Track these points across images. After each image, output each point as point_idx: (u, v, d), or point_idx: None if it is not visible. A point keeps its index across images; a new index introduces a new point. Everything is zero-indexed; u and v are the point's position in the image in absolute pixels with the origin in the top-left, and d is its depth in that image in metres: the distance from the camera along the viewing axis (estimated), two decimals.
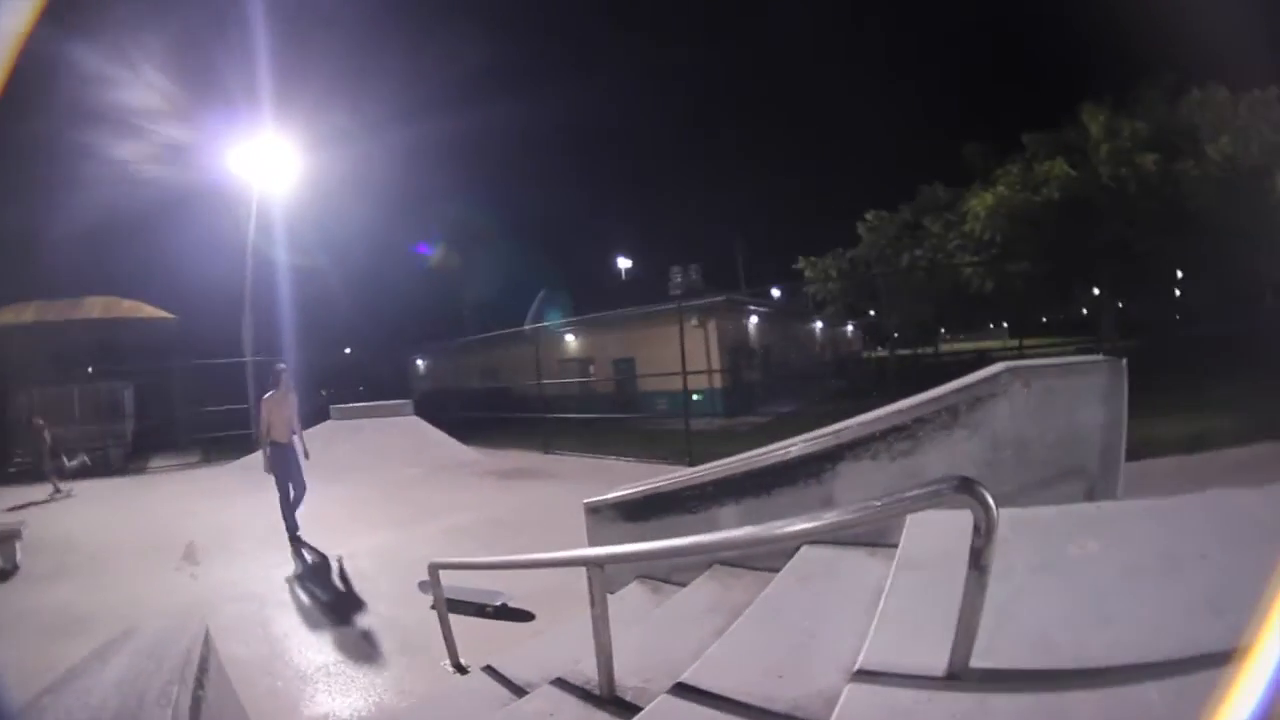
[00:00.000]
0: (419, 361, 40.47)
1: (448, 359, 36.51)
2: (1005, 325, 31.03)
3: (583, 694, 3.37)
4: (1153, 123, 19.11)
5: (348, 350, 38.16)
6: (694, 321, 21.98)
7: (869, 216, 24.34)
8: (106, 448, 20.88)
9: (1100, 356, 4.61)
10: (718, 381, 22.66)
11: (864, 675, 2.26)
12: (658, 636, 3.89)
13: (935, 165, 24.05)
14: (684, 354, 13.61)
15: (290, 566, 8.19)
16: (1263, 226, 17.16)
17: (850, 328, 39.68)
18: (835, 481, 4.21)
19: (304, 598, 7.18)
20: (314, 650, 5.79)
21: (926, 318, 24.15)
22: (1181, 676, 2.12)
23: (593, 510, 5.74)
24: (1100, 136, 19.40)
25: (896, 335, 23.81)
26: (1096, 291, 22.77)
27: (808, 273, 25.22)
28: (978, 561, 2.05)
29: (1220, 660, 2.11)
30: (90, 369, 24.06)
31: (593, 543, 5.59)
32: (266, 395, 9.89)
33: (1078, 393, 4.37)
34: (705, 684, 2.76)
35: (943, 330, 29.06)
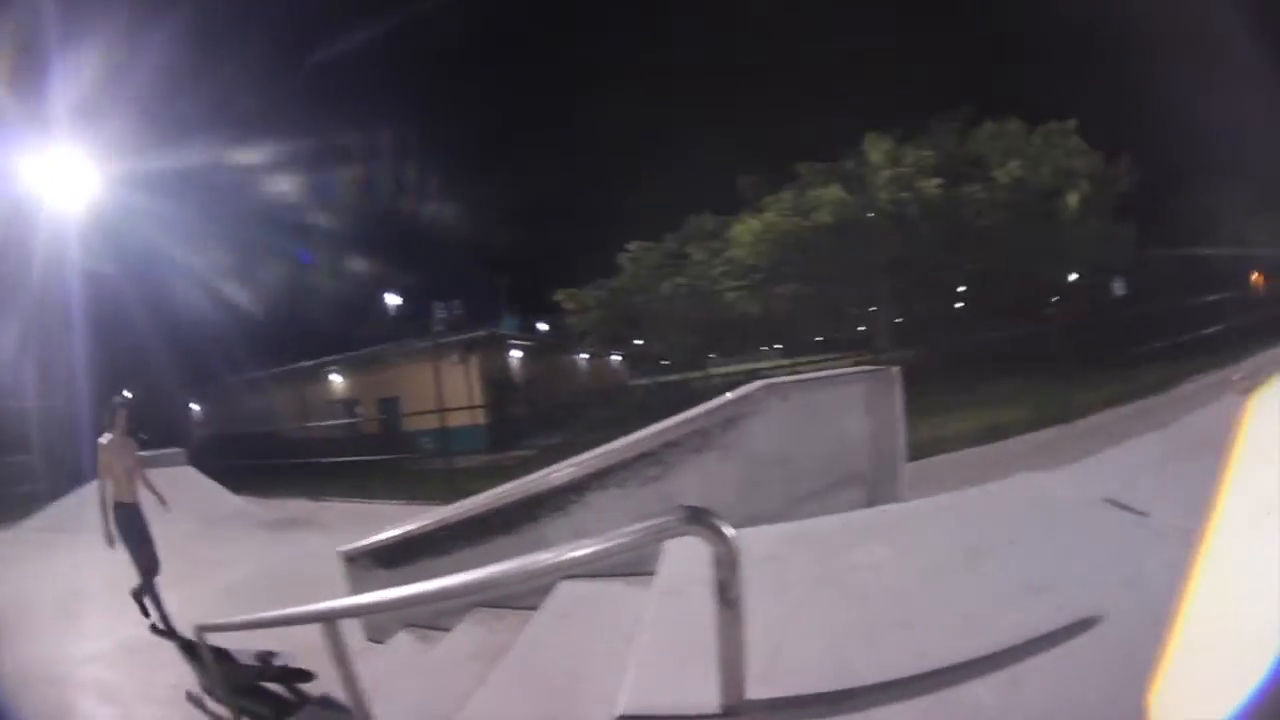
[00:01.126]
0: (194, 405, 37.82)
1: (221, 401, 34.36)
2: (779, 346, 32.11)
3: None
4: (940, 152, 20.01)
5: (126, 393, 34.88)
6: (454, 358, 21.93)
7: (631, 247, 24.50)
8: None
9: (868, 367, 4.76)
10: (481, 417, 22.28)
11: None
12: (424, 687, 3.73)
13: (710, 197, 24.40)
14: (440, 391, 13.41)
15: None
16: (1050, 241, 18.75)
17: (617, 357, 40.16)
18: (584, 512, 4.12)
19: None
20: None
21: (692, 344, 24.59)
22: (1012, 666, 2.08)
23: (349, 559, 5.51)
24: (882, 163, 20.05)
25: (664, 362, 24.19)
26: (873, 309, 23.79)
27: (567, 305, 25.33)
28: (725, 594, 1.89)
29: (1052, 640, 2.16)
30: None
31: (354, 593, 5.29)
32: (103, 439, 8.15)
33: (842, 403, 4.40)
34: None
35: (713, 355, 29.84)
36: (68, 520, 14.49)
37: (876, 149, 20.29)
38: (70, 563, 9.84)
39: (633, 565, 3.62)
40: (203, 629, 4.61)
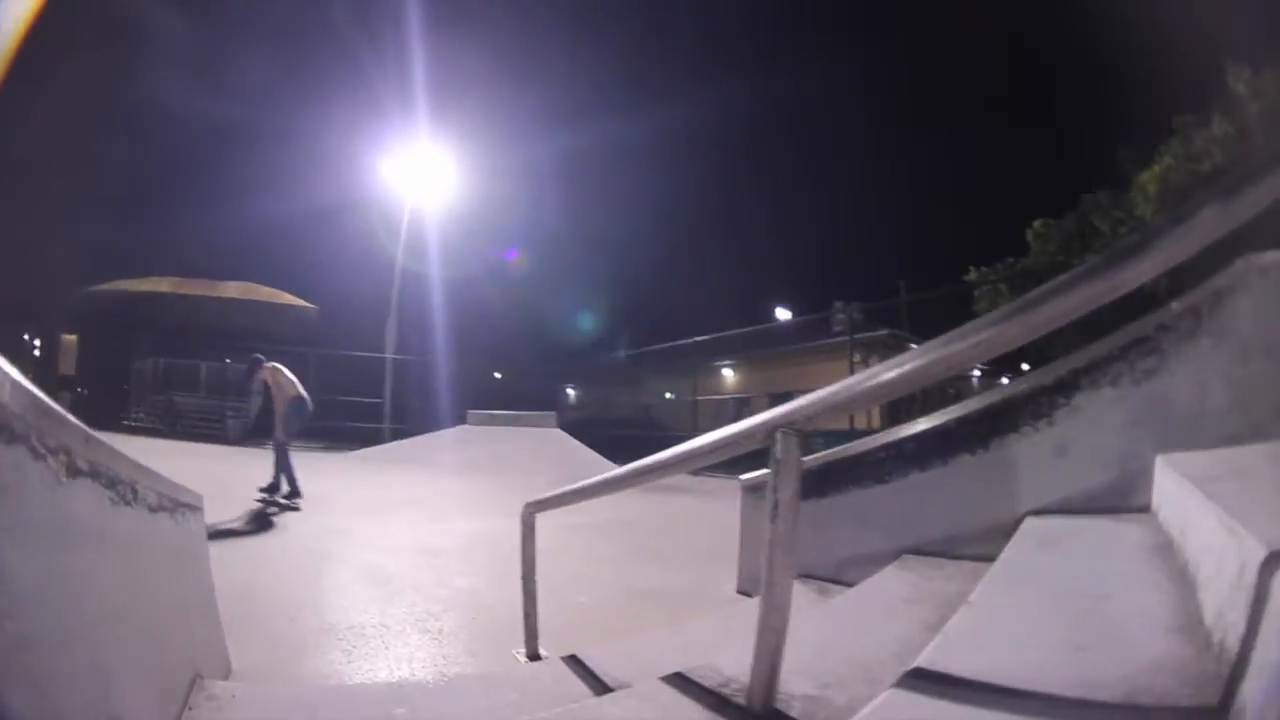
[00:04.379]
0: (570, 390, 40.37)
1: (600, 382, 36.39)
2: None
3: (714, 700, 2.22)
4: None
5: (497, 375, 38.17)
6: (855, 358, 22.22)
7: (1036, 224, 23.21)
8: (225, 419, 22.51)
9: None
10: (877, 422, 21.81)
11: None
12: (833, 633, 2.86)
13: (1091, 179, 22.43)
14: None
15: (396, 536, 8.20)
16: None
17: (1006, 380, 37.44)
18: (1073, 421, 3.26)
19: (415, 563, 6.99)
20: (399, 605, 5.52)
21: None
22: None
23: (751, 489, 4.95)
24: (1249, 95, 18.01)
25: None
26: None
27: (977, 280, 23.92)
28: None
29: None
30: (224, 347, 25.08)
31: (745, 534, 4.84)
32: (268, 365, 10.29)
33: None
34: (958, 670, 1.61)
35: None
36: (393, 454, 15.84)
37: (1239, 80, 18.29)
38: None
39: (1113, 497, 2.96)
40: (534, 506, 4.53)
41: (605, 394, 34.74)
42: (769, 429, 2.26)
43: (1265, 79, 17.91)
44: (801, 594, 3.97)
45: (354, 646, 4.53)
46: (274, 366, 10.15)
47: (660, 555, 7.43)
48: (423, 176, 24.37)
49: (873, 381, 2.11)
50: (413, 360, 24.83)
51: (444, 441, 16.74)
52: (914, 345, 19.46)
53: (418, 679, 4.07)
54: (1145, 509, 2.76)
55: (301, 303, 30.20)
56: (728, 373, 28.73)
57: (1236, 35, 18.40)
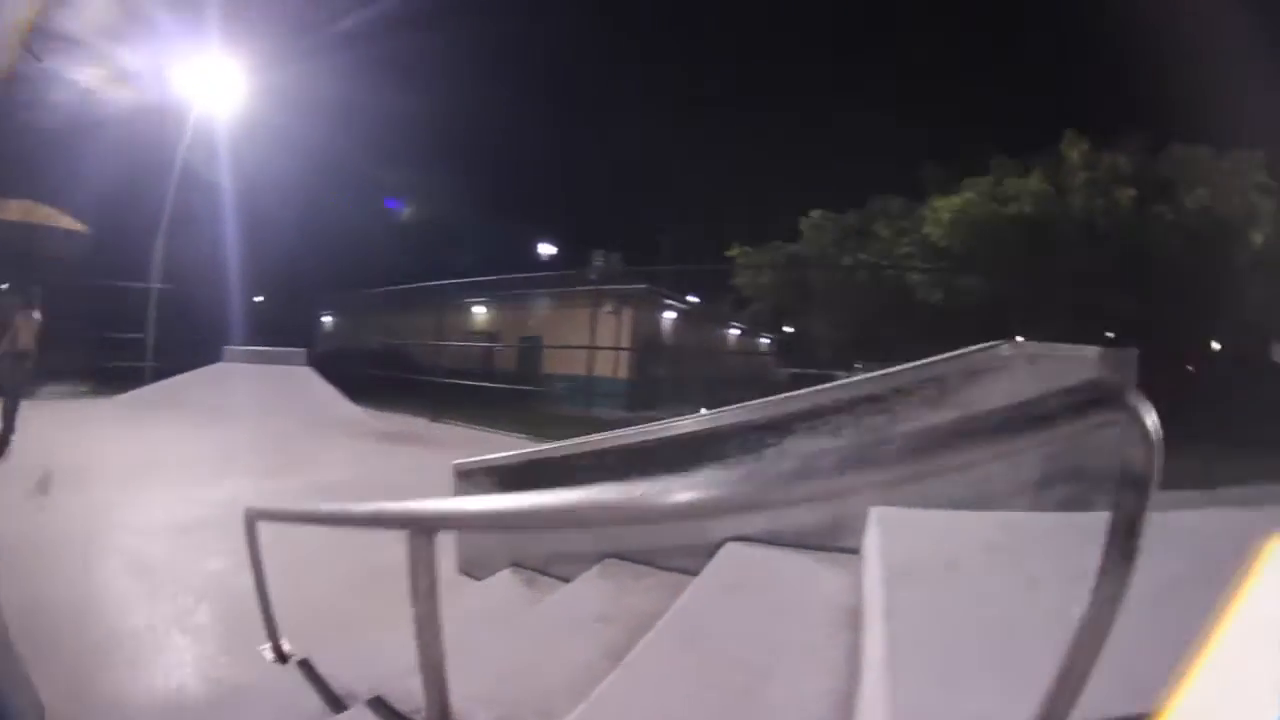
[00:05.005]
0: (325, 316, 38.48)
1: (353, 315, 34.81)
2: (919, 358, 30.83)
3: None
4: (1134, 163, 18.98)
5: (258, 299, 35.79)
6: (609, 308, 21.51)
7: (814, 214, 23.80)
8: None
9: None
10: (624, 373, 21.86)
11: None
12: (526, 651, 2.84)
13: (887, 184, 23.48)
14: (594, 331, 12.99)
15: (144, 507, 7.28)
16: (1223, 284, 17.44)
17: (764, 341, 39.25)
18: (783, 461, 3.17)
19: (134, 541, 6.22)
20: (128, 606, 4.82)
21: (851, 332, 23.61)
22: None
23: (464, 474, 4.77)
24: (1079, 164, 18.97)
25: (808, 358, 23.34)
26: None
27: (740, 260, 24.47)
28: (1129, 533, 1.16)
29: None
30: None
31: None
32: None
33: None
34: None
35: (858, 365, 28.66)
36: (149, 399, 14.81)
37: (1074, 148, 19.14)
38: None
39: (824, 536, 3.00)
40: (255, 514, 3.88)
41: (360, 326, 33.29)
42: (401, 522, 2.11)
43: (1102, 158, 18.98)
44: (513, 586, 4.05)
45: (136, 656, 4.07)
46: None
47: None
48: (209, 84, 22.15)
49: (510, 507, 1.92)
50: (180, 289, 22.73)
51: (200, 382, 15.70)
52: (672, 302, 19.70)
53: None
54: (856, 550, 2.82)
55: (76, 225, 26.86)
56: (479, 310, 28.06)
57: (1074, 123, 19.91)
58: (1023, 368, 3.34)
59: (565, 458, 4.13)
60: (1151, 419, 1.09)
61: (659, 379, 25.25)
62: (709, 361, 31.31)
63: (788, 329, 31.19)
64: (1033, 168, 20.04)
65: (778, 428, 3.34)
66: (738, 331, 35.59)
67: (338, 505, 3.03)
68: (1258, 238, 17.31)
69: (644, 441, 3.75)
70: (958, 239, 19.49)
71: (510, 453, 4.58)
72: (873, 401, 3.23)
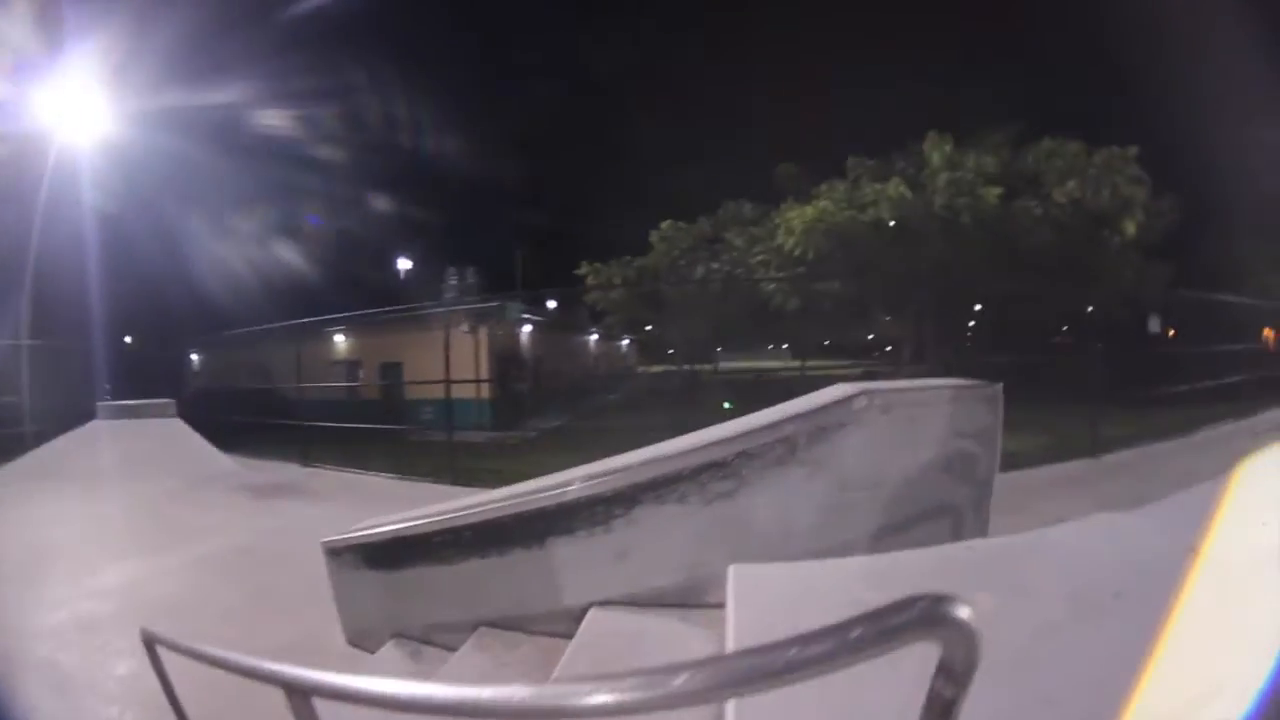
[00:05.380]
0: (194, 356, 36.98)
1: (219, 355, 33.57)
2: (785, 347, 31.49)
3: None
4: (999, 162, 19.55)
5: (127, 339, 33.98)
6: (464, 327, 21.38)
7: (664, 226, 23.86)
8: None
9: (963, 380, 4.22)
10: (486, 392, 21.91)
11: None
12: None
13: (745, 186, 23.59)
14: (449, 359, 12.97)
15: None
16: (1096, 269, 18.30)
17: (625, 341, 39.64)
18: (632, 531, 3.36)
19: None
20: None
21: (709, 334, 23.81)
22: None
23: (333, 553, 4.65)
24: (941, 165, 19.39)
25: (672, 352, 23.52)
26: (887, 318, 23.28)
27: (590, 279, 24.52)
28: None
29: None
30: None
31: (338, 593, 4.57)
32: None
33: (945, 420, 3.86)
34: None
35: (719, 349, 29.08)
36: (37, 466, 14.04)
37: (937, 150, 19.65)
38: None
39: (686, 595, 3.12)
40: (153, 639, 3.73)
41: (225, 367, 32.14)
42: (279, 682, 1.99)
43: (964, 156, 19.41)
44: (395, 656, 4.04)
45: None
46: None
47: (278, 595, 6.93)
48: (69, 117, 20.68)
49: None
50: (50, 343, 21.39)
51: (75, 445, 14.81)
52: (526, 316, 19.58)
53: None
54: (721, 605, 2.84)
55: None
56: (341, 340, 27.60)
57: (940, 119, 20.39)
58: (877, 420, 3.46)
59: (426, 535, 4.07)
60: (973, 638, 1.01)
61: (521, 395, 25.21)
62: (571, 369, 31.44)
63: (648, 327, 31.50)
64: (894, 167, 20.57)
65: (625, 499, 3.37)
66: (597, 336, 35.73)
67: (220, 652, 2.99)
68: (1130, 226, 18.17)
69: (498, 517, 3.74)
70: (812, 246, 19.59)
71: (375, 529, 4.46)
72: (719, 468, 3.28)
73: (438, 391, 15.36)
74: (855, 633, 1.08)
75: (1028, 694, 1.99)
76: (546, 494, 3.66)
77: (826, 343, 30.38)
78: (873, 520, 3.49)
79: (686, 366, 24.99)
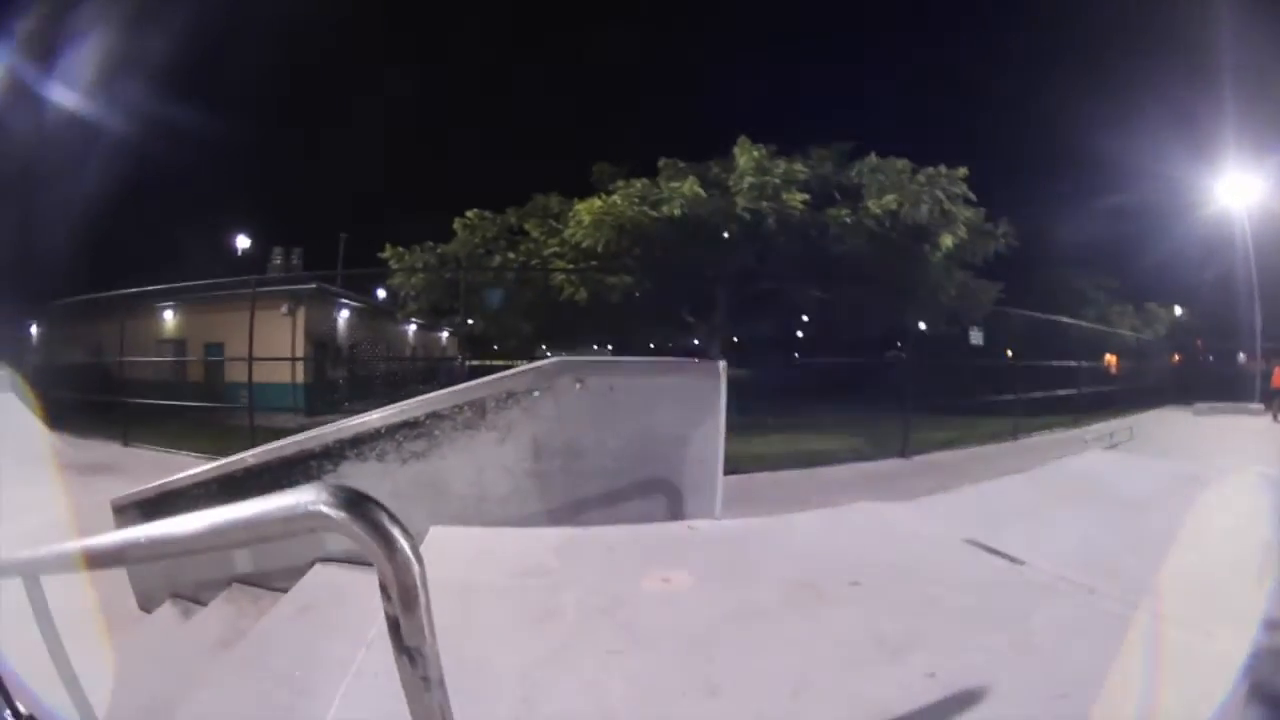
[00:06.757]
0: (34, 328, 35.02)
1: (53, 327, 31.97)
2: (610, 346, 31.91)
3: None
4: (815, 174, 19.77)
5: None
6: (283, 309, 21.56)
7: (470, 214, 23.25)
8: None
9: (694, 360, 4.37)
10: (302, 375, 21.58)
11: None
12: (171, 680, 3.15)
13: (565, 185, 23.44)
14: (252, 340, 13.03)
15: None
16: (912, 280, 19.04)
17: (446, 333, 39.36)
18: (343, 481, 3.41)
19: None
20: None
21: (524, 330, 23.74)
22: None
23: (119, 512, 4.91)
24: (749, 169, 19.42)
25: (497, 347, 23.53)
26: (690, 319, 23.28)
27: (394, 263, 24.04)
28: (402, 640, 1.15)
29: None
30: None
31: None
32: None
33: (653, 395, 4.00)
34: None
35: (544, 345, 29.11)
36: None
37: (746, 154, 19.78)
38: None
39: None
40: None
41: (56, 340, 30.62)
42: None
43: (775, 164, 19.47)
44: (172, 617, 4.30)
45: None
46: None
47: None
48: None
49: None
50: None
51: None
52: (345, 300, 19.52)
53: None
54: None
55: None
56: (169, 318, 26.86)
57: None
58: (570, 389, 3.66)
59: (186, 489, 4.37)
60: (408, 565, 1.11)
61: (337, 380, 25.17)
62: (388, 357, 31.22)
63: (470, 321, 31.34)
64: (709, 170, 20.64)
65: (332, 455, 3.65)
66: (415, 326, 35.51)
67: None
68: (948, 239, 18.53)
69: (233, 471, 4.02)
70: (602, 239, 19.57)
71: (148, 486, 4.75)
72: (412, 427, 3.52)
73: (258, 373, 15.27)
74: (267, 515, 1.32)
75: (697, 677, 2.07)
76: (274, 449, 3.93)
77: (652, 345, 30.91)
78: (577, 490, 3.69)
79: (503, 361, 24.94)
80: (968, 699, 1.96)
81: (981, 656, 2.25)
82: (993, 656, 2.26)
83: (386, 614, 1.14)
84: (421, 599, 1.14)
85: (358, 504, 1.16)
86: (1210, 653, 2.36)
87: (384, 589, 1.13)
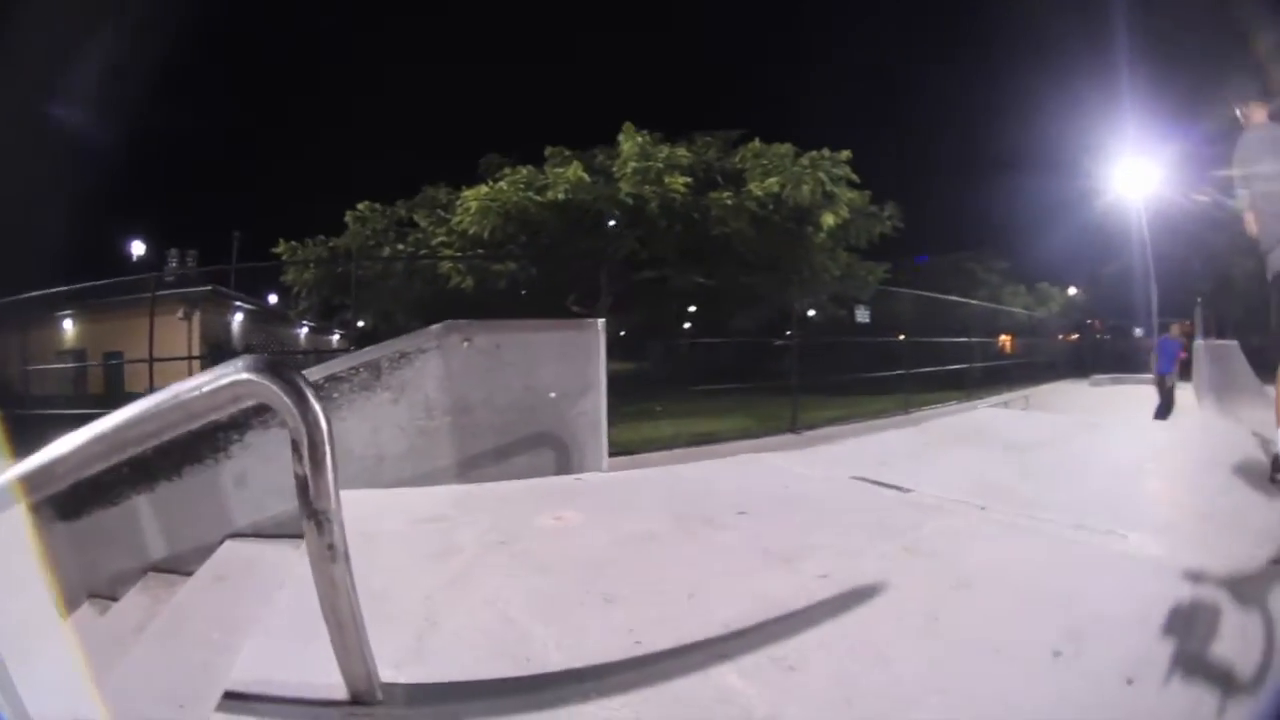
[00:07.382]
0: None
1: None
2: None
3: None
4: (699, 160, 19.91)
5: None
6: (179, 313, 21.35)
7: (360, 207, 22.97)
8: None
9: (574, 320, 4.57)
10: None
11: (235, 700, 1.66)
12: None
13: (457, 178, 23.09)
14: (152, 345, 12.94)
15: None
16: (794, 261, 19.48)
17: (336, 336, 38.75)
18: (245, 455, 3.59)
19: None
20: None
21: (410, 324, 23.09)
22: (769, 646, 1.79)
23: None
24: (632, 154, 19.39)
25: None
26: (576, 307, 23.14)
27: (286, 257, 22.82)
28: (313, 505, 1.41)
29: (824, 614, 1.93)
30: None
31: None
32: None
33: (536, 354, 4.18)
34: None
35: None
36: None
37: (630, 140, 19.77)
38: None
39: (297, 526, 3.27)
40: None
41: None
42: None
43: (658, 149, 19.36)
44: (88, 616, 3.95)
45: None
46: None
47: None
48: None
49: None
50: None
51: None
52: (239, 303, 19.18)
53: None
54: None
55: None
56: (69, 325, 26.07)
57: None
58: (458, 349, 3.84)
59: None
60: (317, 421, 1.35)
61: None
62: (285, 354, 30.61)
63: (360, 323, 30.91)
64: (591, 156, 20.65)
65: (239, 425, 3.57)
66: (307, 329, 35.01)
67: None
68: (829, 218, 18.80)
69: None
70: (488, 227, 19.32)
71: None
72: (313, 391, 3.55)
73: (156, 379, 15.07)
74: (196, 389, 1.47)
75: (594, 590, 2.21)
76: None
77: None
78: (469, 447, 3.86)
79: None
80: (864, 593, 2.13)
81: (875, 561, 2.45)
82: (886, 560, 2.47)
83: (296, 475, 1.34)
84: (329, 458, 1.34)
85: (275, 367, 1.40)
86: (1123, 550, 2.61)
87: (295, 448, 1.33)
